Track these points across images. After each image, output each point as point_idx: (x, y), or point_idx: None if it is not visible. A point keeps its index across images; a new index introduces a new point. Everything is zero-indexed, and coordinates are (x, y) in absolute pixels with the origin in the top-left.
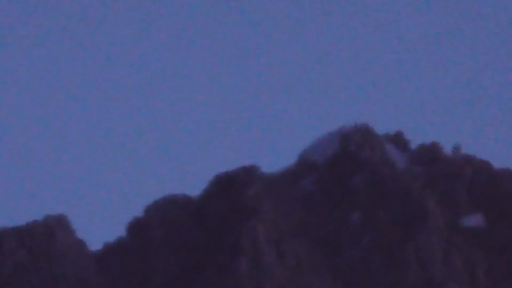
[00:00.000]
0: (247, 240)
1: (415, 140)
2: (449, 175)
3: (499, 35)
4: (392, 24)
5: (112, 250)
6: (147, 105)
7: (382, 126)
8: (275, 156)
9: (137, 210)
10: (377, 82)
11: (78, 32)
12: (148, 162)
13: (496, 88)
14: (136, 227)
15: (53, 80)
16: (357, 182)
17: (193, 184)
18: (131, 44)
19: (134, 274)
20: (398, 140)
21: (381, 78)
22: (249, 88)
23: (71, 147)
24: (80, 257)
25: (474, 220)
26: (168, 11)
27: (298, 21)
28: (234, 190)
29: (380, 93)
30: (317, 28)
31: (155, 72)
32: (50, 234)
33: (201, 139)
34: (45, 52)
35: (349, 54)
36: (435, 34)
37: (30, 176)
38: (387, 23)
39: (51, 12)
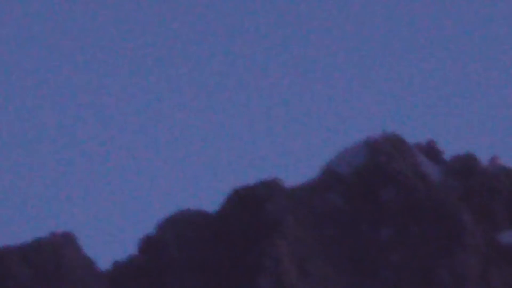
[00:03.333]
0: (269, 258)
1: (449, 150)
2: (486, 188)
3: None
4: (425, 29)
5: (123, 269)
6: (160, 115)
7: (413, 135)
8: (298, 168)
9: (149, 226)
10: (407, 88)
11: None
12: (161, 175)
13: None
14: (149, 245)
15: (59, 95)
16: (387, 196)
17: (210, 198)
18: (142, 54)
19: None
20: (431, 150)
21: (411, 83)
22: (270, 95)
23: (79, 158)
24: (89, 277)
25: None
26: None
27: (326, 29)
28: (254, 204)
29: (411, 100)
30: (343, 32)
31: (171, 83)
32: (57, 252)
33: (219, 149)
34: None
35: (377, 57)
36: (475, 42)
37: (34, 189)
38: (421, 29)
39: (51, 12)
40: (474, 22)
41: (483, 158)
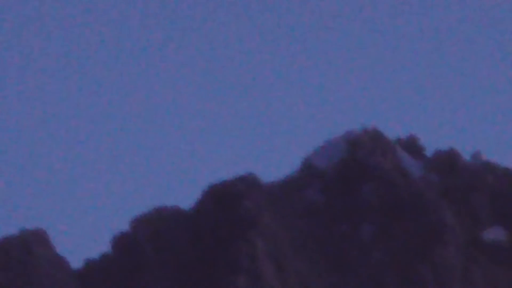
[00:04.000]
0: (245, 256)
1: (431, 145)
2: (469, 184)
3: None
4: (404, 23)
5: (96, 267)
6: (134, 109)
7: (393, 130)
8: (276, 163)
9: (123, 223)
10: (388, 82)
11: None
12: (135, 171)
13: None
14: (122, 242)
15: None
16: (366, 192)
17: (185, 194)
18: (120, 59)
19: None
20: (412, 145)
21: (393, 77)
22: (246, 88)
23: (50, 153)
24: (60, 275)
25: (496, 233)
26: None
27: (302, 22)
28: (230, 201)
29: (392, 94)
30: (322, 28)
31: (145, 77)
32: (27, 250)
33: (194, 144)
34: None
35: (357, 51)
36: (453, 33)
37: (3, 184)
38: (399, 22)
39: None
40: (453, 14)
41: (466, 153)
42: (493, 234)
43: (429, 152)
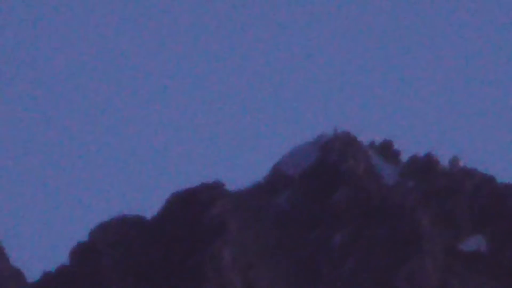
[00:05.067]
0: (211, 265)
1: (406, 150)
2: (446, 191)
3: (496, 33)
4: (378, 23)
5: (53, 279)
6: (97, 114)
7: (367, 134)
8: (243, 169)
9: (81, 233)
10: (361, 82)
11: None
12: (95, 177)
13: (500, 92)
14: (81, 253)
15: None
16: (338, 198)
17: (147, 202)
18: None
19: None
20: (386, 150)
21: (367, 77)
22: (213, 91)
23: (5, 161)
24: None
25: (475, 242)
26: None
27: (279, 22)
28: (195, 209)
29: (365, 96)
30: (294, 28)
31: (111, 81)
32: None
33: (158, 150)
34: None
35: (328, 51)
36: (430, 31)
37: None
38: (374, 23)
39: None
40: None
41: (443, 159)
42: (472, 243)
43: (404, 157)
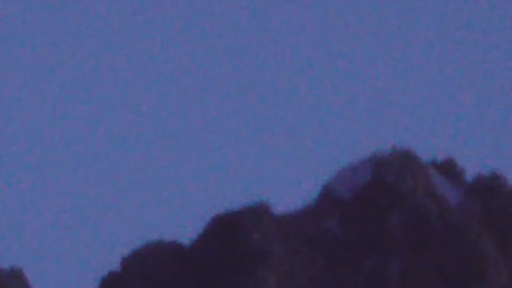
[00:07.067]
0: None
1: (471, 169)
2: None
3: None
4: (432, 40)
5: None
6: (131, 133)
7: (427, 151)
8: (290, 190)
9: (112, 262)
10: (421, 98)
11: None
12: (127, 200)
13: None
14: (111, 283)
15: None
16: (394, 222)
17: (184, 227)
18: (117, 65)
19: None
20: (449, 169)
21: (427, 93)
22: (258, 104)
23: (28, 182)
24: None
25: None
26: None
27: (325, 42)
28: (237, 233)
29: (426, 112)
30: (345, 43)
31: (139, 90)
32: None
33: (195, 168)
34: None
35: (385, 64)
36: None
37: None
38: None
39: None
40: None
41: (511, 178)
42: None
43: (469, 176)
